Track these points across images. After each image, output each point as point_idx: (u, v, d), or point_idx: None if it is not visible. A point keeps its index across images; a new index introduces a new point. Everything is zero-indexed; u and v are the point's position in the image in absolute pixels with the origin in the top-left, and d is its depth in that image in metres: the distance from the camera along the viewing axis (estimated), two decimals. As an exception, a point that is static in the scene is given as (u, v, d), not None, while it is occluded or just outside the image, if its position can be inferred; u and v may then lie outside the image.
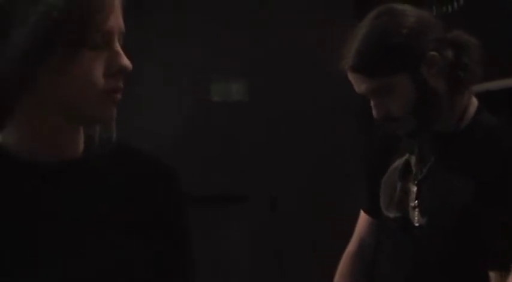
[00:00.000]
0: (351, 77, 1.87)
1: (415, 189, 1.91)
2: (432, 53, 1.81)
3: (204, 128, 4.48)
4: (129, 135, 1.35)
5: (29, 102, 1.19)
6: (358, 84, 1.86)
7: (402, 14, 1.84)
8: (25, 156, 1.22)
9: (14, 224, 1.20)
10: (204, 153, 4.46)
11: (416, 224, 1.89)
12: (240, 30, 4.47)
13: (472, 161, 1.84)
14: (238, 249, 4.47)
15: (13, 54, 1.15)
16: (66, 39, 1.15)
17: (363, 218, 2.13)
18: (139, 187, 1.31)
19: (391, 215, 1.96)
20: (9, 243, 1.19)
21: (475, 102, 1.92)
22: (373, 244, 2.10)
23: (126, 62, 1.22)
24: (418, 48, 1.81)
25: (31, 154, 1.22)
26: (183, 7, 4.46)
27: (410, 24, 1.82)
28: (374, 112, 1.86)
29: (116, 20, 1.21)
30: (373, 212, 2.06)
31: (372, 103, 1.87)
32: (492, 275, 1.78)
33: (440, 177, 1.88)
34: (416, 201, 1.90)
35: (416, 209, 1.89)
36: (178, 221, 1.34)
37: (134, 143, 1.35)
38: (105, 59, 1.20)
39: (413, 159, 1.95)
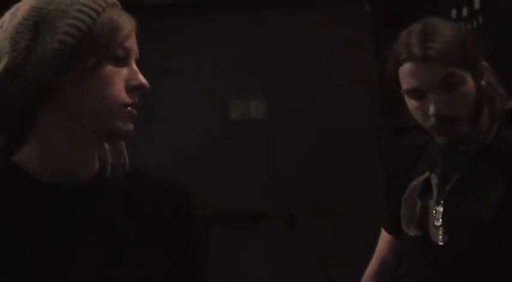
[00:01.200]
0: (416, 68, 1.80)
1: (438, 208, 1.90)
2: (483, 63, 1.83)
3: (223, 146, 4.49)
4: (149, 153, 1.38)
5: (50, 118, 1.22)
6: (426, 75, 1.79)
7: (454, 25, 1.87)
8: (43, 177, 1.24)
9: (34, 245, 1.21)
10: (223, 172, 4.46)
11: (440, 243, 1.87)
12: (260, 48, 4.49)
13: (495, 179, 1.84)
14: (257, 268, 4.45)
15: (37, 64, 1.19)
16: (91, 51, 1.21)
17: (383, 236, 2.13)
18: (153, 207, 1.32)
19: (412, 233, 1.94)
20: (29, 266, 1.19)
21: (498, 119, 1.92)
22: (394, 262, 2.09)
23: (144, 79, 1.27)
24: (479, 54, 1.83)
25: (49, 174, 1.24)
26: (203, 25, 4.49)
27: (467, 32, 1.86)
28: (433, 108, 1.80)
29: (134, 43, 1.27)
30: (394, 230, 2.06)
31: (432, 99, 1.80)
32: None
33: (464, 195, 1.87)
34: (440, 220, 1.88)
35: (440, 228, 1.88)
36: (191, 239, 1.35)
37: (153, 160, 1.36)
38: (124, 74, 1.25)
39: (434, 178, 1.93)
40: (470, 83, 1.80)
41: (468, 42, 1.82)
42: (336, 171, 4.42)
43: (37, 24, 1.21)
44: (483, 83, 1.83)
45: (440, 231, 1.87)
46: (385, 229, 2.12)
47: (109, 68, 1.23)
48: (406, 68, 1.80)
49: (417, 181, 1.96)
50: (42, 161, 1.24)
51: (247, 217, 4.47)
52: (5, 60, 1.21)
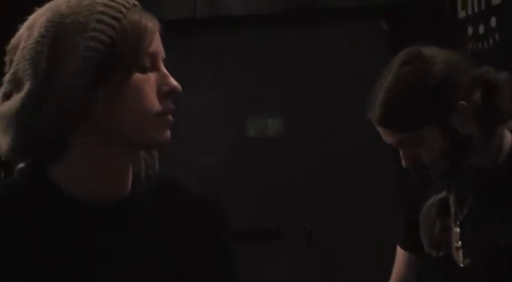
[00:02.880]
0: (378, 128, 1.85)
1: (457, 229, 1.88)
2: (461, 102, 1.76)
3: (239, 163, 4.48)
4: (165, 169, 1.35)
5: (84, 134, 1.18)
6: (385, 136, 1.84)
7: (430, 61, 1.78)
8: (77, 195, 1.21)
9: (69, 265, 1.19)
10: (239, 189, 4.45)
11: (461, 265, 1.86)
12: (276, 65, 4.48)
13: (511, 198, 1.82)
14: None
15: (63, 87, 1.15)
16: (118, 64, 1.16)
17: (400, 254, 2.11)
18: (190, 224, 1.30)
19: (434, 253, 1.93)
20: None
21: (509, 137, 1.88)
22: (413, 280, 2.08)
23: (175, 82, 1.22)
24: (447, 99, 1.77)
25: (83, 193, 1.21)
26: (219, 43, 4.49)
27: (439, 72, 1.77)
28: (403, 162, 1.83)
29: (159, 44, 1.22)
30: (411, 248, 2.04)
31: (400, 153, 1.84)
32: None
33: (481, 216, 1.85)
34: (460, 242, 1.87)
35: (460, 250, 1.86)
36: (226, 258, 1.34)
37: (178, 177, 1.35)
38: (154, 81, 1.20)
39: (451, 198, 1.91)
40: (433, 135, 1.78)
41: (443, 91, 1.76)
42: (353, 188, 4.40)
43: (56, 41, 1.16)
44: (464, 119, 1.78)
45: (461, 253, 1.86)
46: (402, 247, 2.10)
47: (137, 78, 1.18)
48: (375, 126, 1.86)
49: (433, 199, 1.95)
50: (74, 179, 1.20)
51: (263, 234, 4.46)
52: (28, 84, 1.16)
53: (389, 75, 1.81)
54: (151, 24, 1.20)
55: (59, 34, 1.16)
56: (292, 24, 4.46)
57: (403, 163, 1.83)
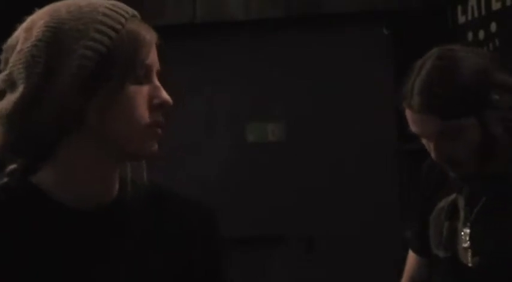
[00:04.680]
0: (415, 117, 1.80)
1: (466, 230, 1.89)
2: (496, 96, 1.77)
3: (239, 169, 4.47)
4: (163, 176, 1.37)
5: (75, 140, 1.18)
6: (424, 126, 1.79)
7: (465, 56, 1.79)
8: (63, 199, 1.21)
9: (57, 270, 1.19)
10: (239, 195, 4.44)
11: (470, 265, 1.86)
12: (276, 70, 4.48)
13: None
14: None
15: (57, 93, 1.15)
16: (112, 74, 1.16)
17: (411, 257, 2.12)
18: (179, 230, 1.30)
19: (441, 254, 1.94)
20: None
21: None
22: None
23: (167, 96, 1.23)
24: (485, 91, 1.76)
25: (69, 197, 1.21)
26: (219, 48, 4.49)
27: (476, 66, 1.77)
28: (434, 154, 1.81)
29: (154, 56, 1.23)
30: (422, 251, 2.05)
31: (432, 145, 1.81)
32: None
33: (492, 218, 1.86)
34: (468, 242, 1.87)
35: (469, 250, 1.87)
36: (215, 259, 1.34)
37: (167, 184, 1.36)
38: (147, 93, 1.21)
39: (461, 200, 1.92)
40: (473, 128, 1.77)
41: (479, 83, 1.76)
42: (355, 194, 4.39)
43: (52, 46, 1.16)
44: (494, 119, 1.78)
45: (469, 253, 1.87)
46: (413, 250, 2.11)
47: (131, 89, 1.19)
48: (408, 114, 1.81)
49: (444, 202, 1.96)
50: (63, 184, 1.21)
51: (264, 240, 4.45)
52: (21, 87, 1.17)
53: (426, 65, 1.79)
54: (149, 36, 1.21)
55: (56, 39, 1.17)
56: (293, 29, 4.47)
57: (434, 156, 1.81)
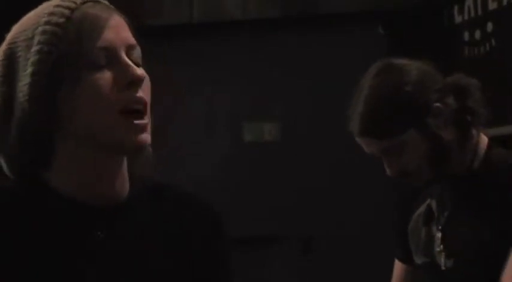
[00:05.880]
0: (360, 140, 1.89)
1: (439, 234, 1.92)
2: (436, 104, 1.82)
3: (235, 169, 4.44)
4: (161, 175, 1.35)
5: (63, 139, 1.18)
6: (368, 147, 1.88)
7: (402, 69, 1.86)
8: (70, 195, 1.20)
9: (68, 267, 1.18)
10: (235, 195, 4.40)
11: (443, 268, 1.89)
12: (274, 70, 4.46)
13: (488, 199, 1.86)
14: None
15: (22, 106, 1.16)
16: (65, 68, 1.15)
17: (397, 265, 2.14)
18: (187, 229, 1.28)
19: (419, 261, 1.98)
20: None
21: (484, 139, 1.93)
22: None
23: (136, 71, 1.17)
24: (423, 102, 1.82)
25: (81, 194, 1.20)
26: (216, 48, 4.48)
27: (412, 79, 1.83)
28: (388, 170, 1.88)
29: (117, 35, 1.18)
30: (406, 259, 2.07)
31: (384, 162, 1.88)
32: None
33: (461, 219, 1.89)
34: (441, 246, 1.91)
35: (442, 253, 1.90)
36: (219, 256, 1.32)
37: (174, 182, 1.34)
38: (113, 75, 1.16)
39: (434, 204, 1.96)
40: (414, 139, 1.83)
41: (416, 96, 1.82)
42: (352, 195, 4.37)
43: (11, 62, 1.19)
44: (440, 121, 1.83)
45: (443, 256, 1.90)
46: (398, 258, 2.13)
47: (91, 76, 1.15)
48: (356, 137, 1.90)
49: (421, 209, 2.00)
50: (70, 182, 1.20)
51: (260, 240, 4.43)
52: None
53: (364, 87, 1.88)
54: (105, 16, 1.18)
55: (13, 55, 1.19)
56: (291, 29, 4.45)
57: (388, 172, 1.88)
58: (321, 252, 4.40)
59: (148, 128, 1.18)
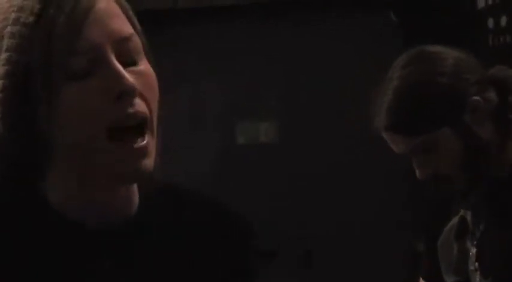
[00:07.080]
0: (387, 136, 1.84)
1: (473, 250, 1.87)
2: (474, 98, 1.79)
3: (228, 173, 4.43)
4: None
5: (60, 158, 1.09)
6: (397, 144, 1.83)
7: (436, 58, 1.82)
8: (77, 218, 1.12)
9: None
10: (228, 201, 4.22)
11: None
12: (269, 62, 4.44)
13: None
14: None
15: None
16: (38, 77, 1.04)
17: None
18: (212, 245, 1.20)
19: (450, 280, 1.92)
20: None
21: None
22: None
23: (125, 80, 1.04)
24: (459, 96, 1.79)
25: (83, 215, 1.12)
26: (209, 45, 4.47)
27: (447, 69, 1.80)
28: (418, 172, 1.82)
29: (103, 29, 1.06)
30: (433, 278, 2.01)
31: (414, 162, 1.83)
32: None
33: (499, 233, 1.84)
34: (476, 264, 1.86)
35: (477, 272, 1.85)
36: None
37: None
38: (98, 84, 1.05)
39: (468, 215, 1.89)
40: (448, 137, 1.80)
41: (452, 90, 1.79)
42: (354, 200, 4.34)
43: None
44: (478, 117, 1.80)
45: (478, 275, 1.85)
46: (422, 277, 2.07)
47: (69, 89, 1.04)
48: (383, 133, 1.85)
49: (453, 221, 1.93)
50: (67, 200, 1.12)
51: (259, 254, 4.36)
52: None
53: (394, 78, 1.83)
54: (83, 7, 1.05)
55: None
56: (288, 15, 4.38)
57: (418, 174, 1.83)
58: (321, 265, 4.33)
59: (151, 149, 1.07)
